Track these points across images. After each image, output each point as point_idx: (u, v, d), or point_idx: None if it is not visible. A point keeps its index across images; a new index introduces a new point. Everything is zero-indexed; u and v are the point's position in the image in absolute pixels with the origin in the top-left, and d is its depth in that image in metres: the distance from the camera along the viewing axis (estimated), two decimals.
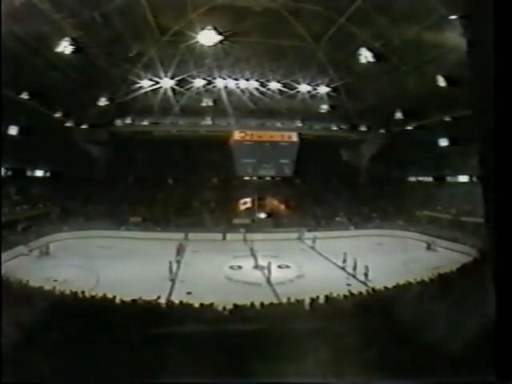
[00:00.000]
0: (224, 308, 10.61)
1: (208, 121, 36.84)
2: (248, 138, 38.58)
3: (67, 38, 18.42)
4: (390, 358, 5.30)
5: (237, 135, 38.39)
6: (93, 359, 5.40)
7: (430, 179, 38.07)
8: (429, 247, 28.15)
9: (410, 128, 32.00)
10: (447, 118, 27.35)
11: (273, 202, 38.92)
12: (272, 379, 5.16)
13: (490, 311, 4.12)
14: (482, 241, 20.56)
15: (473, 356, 4.73)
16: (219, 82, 30.12)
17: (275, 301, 13.96)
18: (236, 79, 30.03)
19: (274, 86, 30.78)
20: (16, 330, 5.73)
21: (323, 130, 38.91)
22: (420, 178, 39.54)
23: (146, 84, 28.36)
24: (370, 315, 8.38)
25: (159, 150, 37.13)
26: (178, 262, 23.23)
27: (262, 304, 11.30)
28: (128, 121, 35.62)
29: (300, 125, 38.39)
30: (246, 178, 40.42)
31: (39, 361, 5.19)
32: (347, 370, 5.07)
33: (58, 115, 28.04)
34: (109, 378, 4.95)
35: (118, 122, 35.75)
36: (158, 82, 28.48)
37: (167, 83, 28.79)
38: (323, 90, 30.88)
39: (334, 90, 30.88)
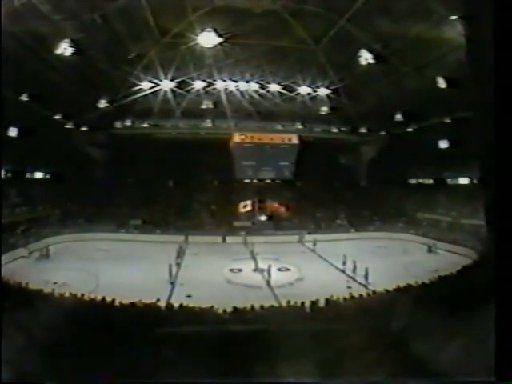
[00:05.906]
0: (224, 311, 10.56)
1: (208, 123, 36.78)
2: (248, 140, 38.61)
3: (67, 40, 18.37)
4: (389, 358, 5.27)
5: (237, 137, 38.43)
6: (91, 360, 5.38)
7: (431, 181, 38.02)
8: (430, 250, 28.08)
9: (410, 130, 31.92)
10: (448, 120, 27.27)
11: (273, 205, 38.81)
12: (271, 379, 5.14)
13: (489, 313, 4.09)
14: (482, 243, 20.55)
15: (473, 356, 4.69)
16: (219, 84, 30.10)
17: (275, 304, 13.93)
18: (236, 81, 30.01)
19: (274, 88, 30.72)
20: (15, 331, 5.71)
21: (323, 132, 38.93)
22: (420, 180, 39.49)
23: (145, 86, 28.34)
24: (371, 317, 8.34)
25: (159, 153, 37.10)
26: (178, 264, 23.20)
27: (261, 307, 11.24)
28: (128, 123, 35.66)
29: (300, 127, 38.25)
30: (246, 181, 40.47)
31: (38, 361, 5.18)
32: (346, 371, 5.03)
33: (57, 117, 28.03)
34: (107, 379, 4.93)
35: (118, 124, 35.79)
36: (157, 84, 28.46)
37: (167, 85, 28.74)
38: (323, 91, 30.80)
39: (335, 91, 30.79)
